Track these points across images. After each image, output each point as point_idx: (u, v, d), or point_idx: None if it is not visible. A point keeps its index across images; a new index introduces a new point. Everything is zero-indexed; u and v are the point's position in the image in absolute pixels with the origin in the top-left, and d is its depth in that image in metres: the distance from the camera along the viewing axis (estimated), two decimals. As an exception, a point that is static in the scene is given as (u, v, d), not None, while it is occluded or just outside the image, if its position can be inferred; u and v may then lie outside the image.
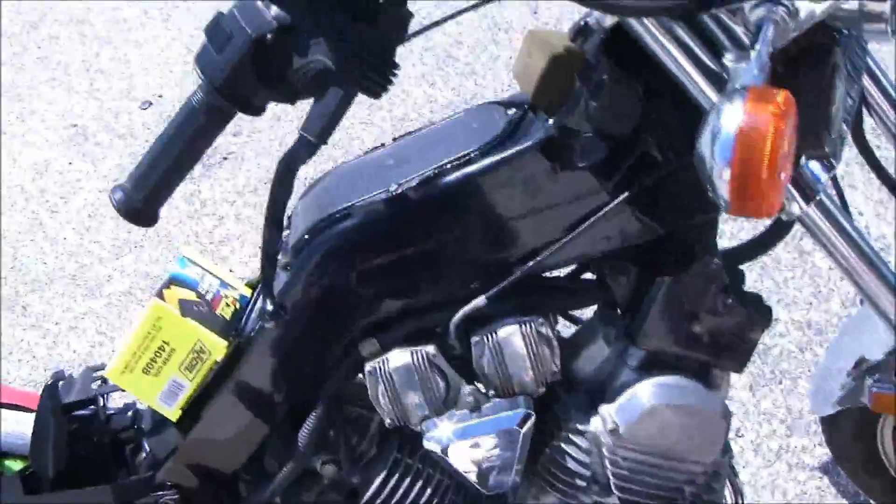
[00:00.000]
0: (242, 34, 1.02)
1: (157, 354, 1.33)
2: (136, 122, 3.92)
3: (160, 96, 4.01)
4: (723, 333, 1.36)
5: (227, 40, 1.03)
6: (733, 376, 2.55)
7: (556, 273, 1.43)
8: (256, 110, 1.11)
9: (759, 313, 1.38)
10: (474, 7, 1.18)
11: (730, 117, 0.92)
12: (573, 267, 1.46)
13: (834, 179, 1.47)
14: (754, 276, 2.84)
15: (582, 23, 1.27)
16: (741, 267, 1.44)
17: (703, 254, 1.32)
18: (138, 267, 3.38)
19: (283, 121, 3.65)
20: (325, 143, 1.10)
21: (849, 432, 1.92)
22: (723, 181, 0.93)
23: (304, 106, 1.15)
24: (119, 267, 3.43)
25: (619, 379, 1.41)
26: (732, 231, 2.92)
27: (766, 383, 2.59)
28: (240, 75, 1.04)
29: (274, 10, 1.03)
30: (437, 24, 1.22)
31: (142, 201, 1.15)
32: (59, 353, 3.24)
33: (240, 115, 1.11)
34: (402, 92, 3.68)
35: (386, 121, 3.64)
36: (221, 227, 3.38)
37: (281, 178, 1.13)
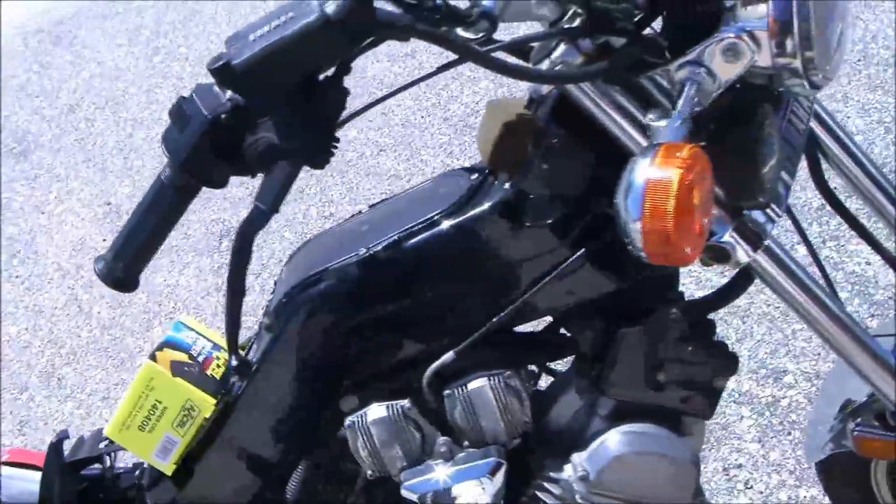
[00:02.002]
0: (200, 115, 1.11)
1: (151, 412, 1.42)
2: (167, 198, 4.05)
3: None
4: (687, 381, 1.41)
5: (187, 122, 1.13)
6: (742, 427, 2.63)
7: (531, 326, 1.50)
8: (218, 184, 1.19)
9: (723, 361, 1.43)
10: (424, 79, 1.26)
11: (640, 171, 0.99)
12: (549, 320, 1.52)
13: (795, 222, 1.54)
14: (763, 330, 2.88)
15: (535, 92, 1.35)
16: (711, 316, 1.48)
17: (664, 304, 1.38)
18: (167, 338, 3.49)
19: (306, 194, 3.78)
20: (277, 211, 1.18)
21: (842, 477, 1.93)
22: (636, 231, 1.00)
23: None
24: (149, 338, 3.54)
25: (591, 428, 1.45)
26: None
27: (776, 435, 2.62)
28: (199, 153, 1.13)
29: (228, 93, 1.12)
30: (379, 100, 1.31)
31: (122, 270, 1.22)
32: (93, 422, 3.35)
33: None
34: (421, 162, 3.79)
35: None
36: (247, 297, 3.47)
37: (240, 245, 1.21)
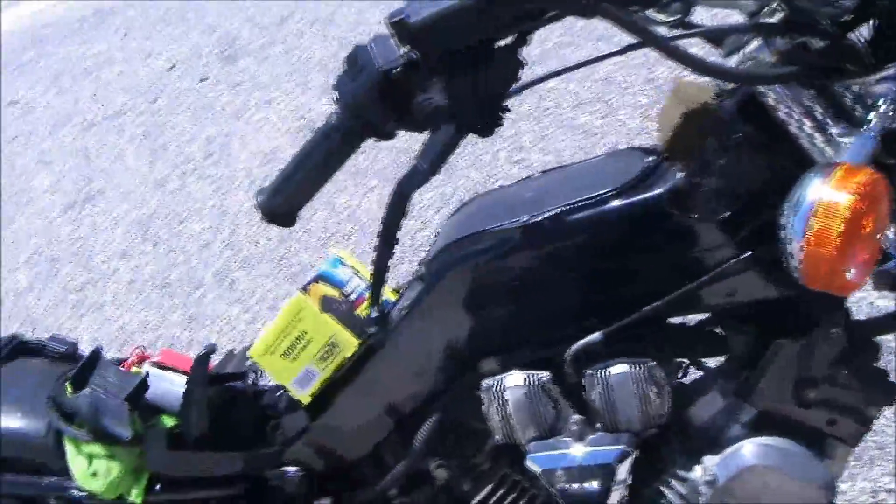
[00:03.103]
0: (372, 67, 1.10)
1: (296, 342, 1.43)
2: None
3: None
4: (838, 404, 1.34)
5: (360, 70, 1.12)
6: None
7: (683, 320, 1.45)
8: (386, 136, 1.18)
9: (880, 390, 1.35)
10: (605, 58, 1.21)
11: (812, 189, 0.93)
12: (703, 316, 1.47)
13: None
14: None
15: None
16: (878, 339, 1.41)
17: (827, 321, 1.31)
18: (340, 259, 3.55)
19: (499, 137, 3.75)
20: (436, 174, 1.17)
21: None
22: (796, 251, 0.94)
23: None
24: (324, 256, 3.61)
25: (728, 433, 1.40)
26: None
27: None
28: (368, 103, 1.11)
29: (404, 48, 1.10)
30: (553, 75, 1.26)
31: (280, 205, 1.23)
32: (257, 329, 3.46)
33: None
34: (616, 121, 3.69)
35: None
36: (423, 231, 3.51)
37: (396, 201, 1.20)
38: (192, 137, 4.54)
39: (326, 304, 1.44)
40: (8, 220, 4.69)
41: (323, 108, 4.32)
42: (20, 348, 1.82)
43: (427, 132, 1.16)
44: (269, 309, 3.51)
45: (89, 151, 4.96)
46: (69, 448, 1.60)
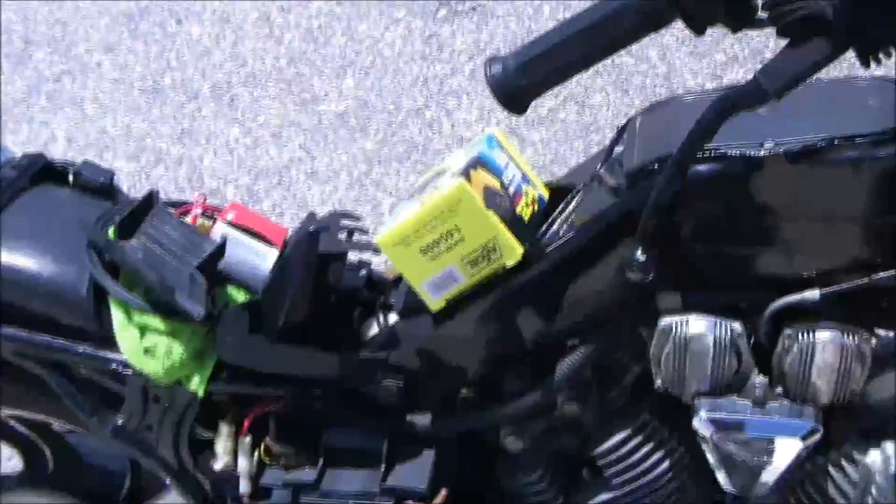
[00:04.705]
0: None
1: (444, 238, 1.14)
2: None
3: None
4: None
5: None
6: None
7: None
8: (700, 30, 0.91)
9: None
10: None
11: None
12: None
13: None
14: None
15: None
16: None
17: None
18: (358, 94, 3.21)
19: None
20: (780, 98, 0.92)
21: None
22: None
23: None
24: (338, 87, 3.26)
25: None
26: None
27: None
28: None
29: None
30: None
31: (522, 86, 0.97)
32: (257, 156, 3.14)
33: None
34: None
35: None
36: (453, 78, 3.17)
37: (711, 120, 0.96)
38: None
39: (490, 198, 1.15)
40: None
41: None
42: (44, 172, 1.48)
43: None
44: (273, 136, 3.18)
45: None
46: (117, 314, 1.30)
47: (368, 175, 2.98)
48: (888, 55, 0.88)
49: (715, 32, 0.93)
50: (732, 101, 0.96)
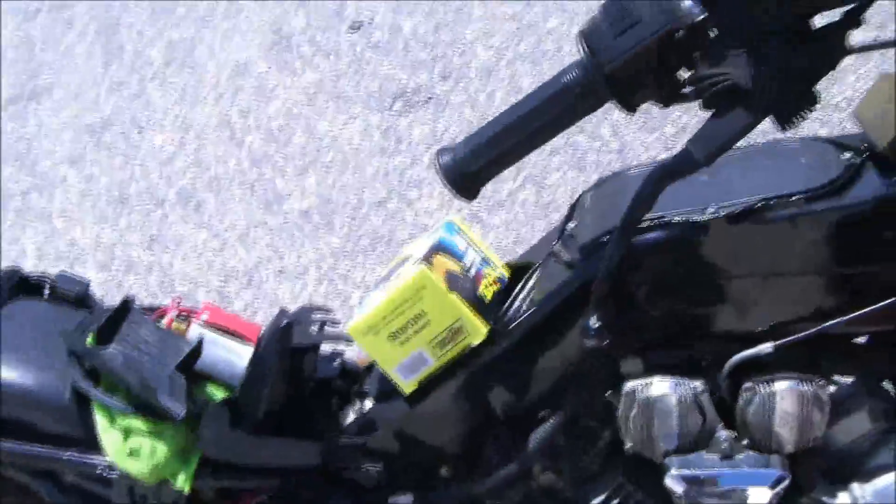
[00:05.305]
0: (655, 23, 0.88)
1: (410, 323, 1.19)
2: (343, 43, 3.80)
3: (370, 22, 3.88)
4: None
5: (630, 25, 0.90)
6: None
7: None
8: (631, 108, 0.98)
9: None
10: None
11: None
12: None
13: None
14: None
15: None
16: None
17: None
18: (321, 191, 3.28)
19: (493, 74, 3.50)
20: (710, 164, 0.98)
21: None
22: None
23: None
24: (301, 186, 3.33)
25: (877, 459, 1.27)
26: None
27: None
28: (634, 67, 0.91)
29: (691, 3, 0.88)
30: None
31: (472, 173, 1.02)
32: (226, 258, 3.18)
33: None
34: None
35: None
36: (412, 168, 3.24)
37: (652, 189, 1.03)
38: (152, 40, 4.17)
39: (453, 282, 1.20)
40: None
41: (300, 23, 3.98)
42: (20, 285, 1.53)
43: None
44: (240, 237, 3.23)
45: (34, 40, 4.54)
46: (100, 418, 1.34)
47: (335, 269, 3.03)
48: (803, 118, 0.95)
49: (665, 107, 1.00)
50: (668, 171, 1.02)
